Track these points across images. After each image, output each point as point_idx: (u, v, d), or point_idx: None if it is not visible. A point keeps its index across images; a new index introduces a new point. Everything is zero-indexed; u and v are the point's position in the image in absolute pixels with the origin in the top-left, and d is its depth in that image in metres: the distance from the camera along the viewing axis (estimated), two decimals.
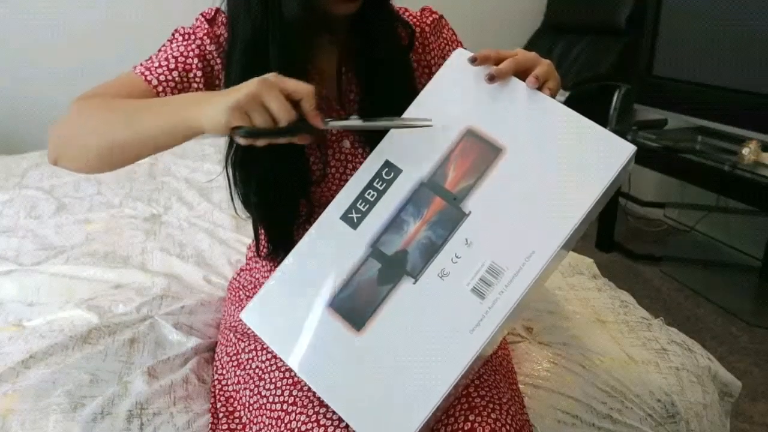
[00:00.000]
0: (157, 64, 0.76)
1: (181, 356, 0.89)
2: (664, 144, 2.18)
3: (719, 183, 1.98)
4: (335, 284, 0.66)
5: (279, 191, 0.80)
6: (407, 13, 0.87)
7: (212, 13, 0.81)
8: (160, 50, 0.79)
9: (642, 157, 2.27)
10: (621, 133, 2.35)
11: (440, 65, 0.72)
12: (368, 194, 0.68)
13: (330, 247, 0.68)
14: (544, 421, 0.81)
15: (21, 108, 2.65)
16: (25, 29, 2.58)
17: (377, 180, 0.68)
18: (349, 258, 0.66)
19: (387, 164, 0.68)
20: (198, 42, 0.79)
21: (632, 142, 2.36)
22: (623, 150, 0.62)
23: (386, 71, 0.80)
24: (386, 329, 0.63)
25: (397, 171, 0.68)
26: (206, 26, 0.80)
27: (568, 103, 2.49)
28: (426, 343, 0.62)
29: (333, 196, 0.82)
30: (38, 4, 2.56)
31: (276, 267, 0.70)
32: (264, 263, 0.92)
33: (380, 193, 0.67)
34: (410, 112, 0.70)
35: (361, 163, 0.79)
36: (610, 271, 2.41)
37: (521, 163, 0.64)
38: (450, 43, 0.88)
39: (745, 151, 1.90)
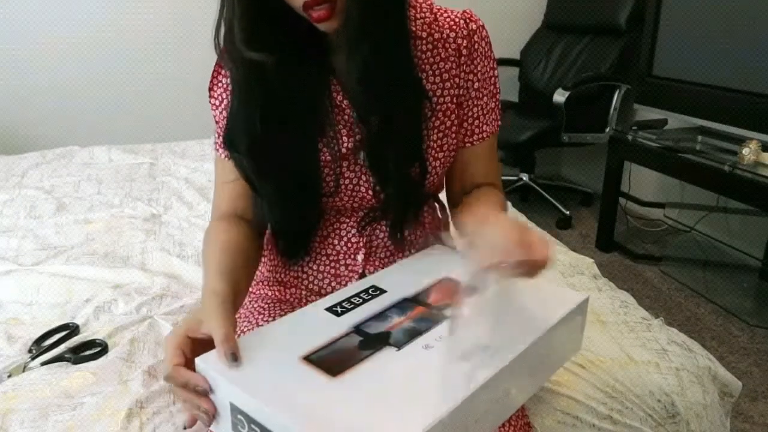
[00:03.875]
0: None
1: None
2: (664, 144, 2.18)
3: (719, 183, 1.98)
4: (312, 346, 0.62)
5: (289, 203, 0.80)
6: (446, 14, 0.80)
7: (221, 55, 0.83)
8: (216, 121, 0.84)
9: (642, 157, 2.30)
10: (621, 133, 2.36)
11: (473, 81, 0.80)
12: (354, 299, 0.71)
13: (311, 325, 0.66)
14: (544, 422, 0.81)
15: (21, 108, 2.65)
16: (26, 30, 2.58)
17: (363, 293, 0.72)
18: (329, 333, 0.64)
19: (373, 287, 0.74)
20: (229, 94, 0.80)
21: (632, 142, 2.38)
22: (577, 297, 0.72)
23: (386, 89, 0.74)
24: (365, 375, 0.57)
25: (382, 291, 0.73)
26: (221, 69, 0.82)
27: (568, 103, 2.50)
28: (412, 383, 0.56)
29: (344, 206, 0.83)
30: (39, 6, 2.56)
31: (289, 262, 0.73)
32: (270, 257, 0.92)
33: (365, 301, 0.71)
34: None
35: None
36: (610, 271, 2.42)
37: (496, 298, 0.71)
38: (484, 63, 0.81)
39: (745, 151, 1.90)
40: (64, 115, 2.70)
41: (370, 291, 0.73)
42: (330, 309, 0.69)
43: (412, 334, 0.64)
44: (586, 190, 3.10)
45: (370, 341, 0.63)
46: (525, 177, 3.02)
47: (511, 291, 0.74)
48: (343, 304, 0.70)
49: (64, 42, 2.63)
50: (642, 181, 2.71)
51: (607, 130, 2.60)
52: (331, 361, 0.59)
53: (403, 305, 0.70)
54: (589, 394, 0.84)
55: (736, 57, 2.00)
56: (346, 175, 0.80)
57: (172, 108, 2.76)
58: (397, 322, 0.66)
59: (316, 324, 0.66)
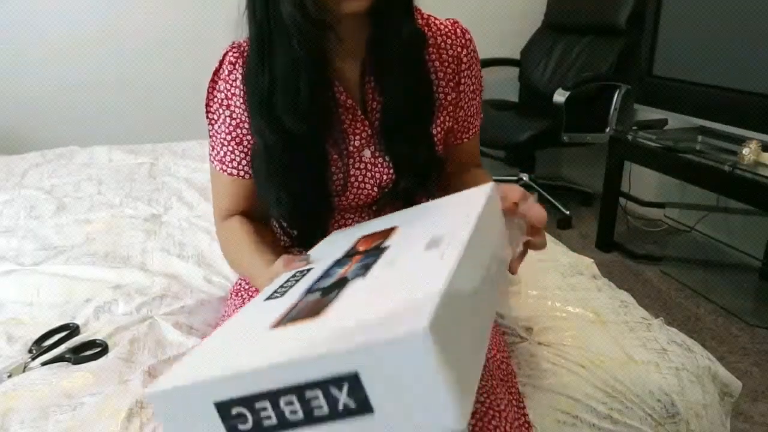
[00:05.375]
0: (222, 153, 0.87)
1: (181, 356, 0.89)
2: (664, 144, 2.18)
3: (719, 183, 1.98)
4: (276, 316, 0.54)
5: (301, 204, 0.82)
6: (436, 22, 0.87)
7: (219, 64, 0.85)
8: (211, 135, 0.88)
9: (642, 157, 2.31)
10: (621, 133, 2.36)
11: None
12: (288, 282, 0.65)
13: (262, 313, 0.58)
14: (544, 421, 0.81)
15: (21, 108, 2.65)
16: (26, 30, 2.58)
17: (292, 278, 0.67)
18: (283, 307, 0.56)
19: (299, 271, 0.68)
20: (225, 109, 0.84)
21: (632, 142, 2.38)
22: (486, 187, 0.70)
23: (401, 74, 0.80)
24: (350, 299, 0.51)
25: (310, 269, 0.67)
26: (220, 84, 0.84)
27: (568, 103, 2.50)
28: (398, 280, 0.51)
29: (350, 205, 0.86)
30: (38, 6, 2.56)
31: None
32: None
33: (301, 276, 0.65)
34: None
35: (380, 171, 0.85)
36: (610, 271, 2.42)
37: (414, 228, 0.68)
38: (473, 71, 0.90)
39: (745, 151, 1.90)
40: (64, 115, 2.70)
41: (297, 274, 0.67)
42: (270, 298, 0.62)
43: (368, 267, 0.58)
44: (586, 190, 3.10)
45: (331, 288, 0.56)
46: (525, 177, 3.02)
47: (435, 202, 0.76)
48: (278, 290, 0.64)
49: (64, 42, 2.63)
50: (642, 181, 2.71)
51: (607, 130, 2.60)
52: (305, 312, 0.51)
53: (340, 262, 0.64)
54: (588, 394, 0.84)
55: (736, 57, 2.00)
56: (351, 173, 0.84)
57: (172, 108, 2.76)
58: (345, 269, 0.60)
59: (267, 310, 0.58)
